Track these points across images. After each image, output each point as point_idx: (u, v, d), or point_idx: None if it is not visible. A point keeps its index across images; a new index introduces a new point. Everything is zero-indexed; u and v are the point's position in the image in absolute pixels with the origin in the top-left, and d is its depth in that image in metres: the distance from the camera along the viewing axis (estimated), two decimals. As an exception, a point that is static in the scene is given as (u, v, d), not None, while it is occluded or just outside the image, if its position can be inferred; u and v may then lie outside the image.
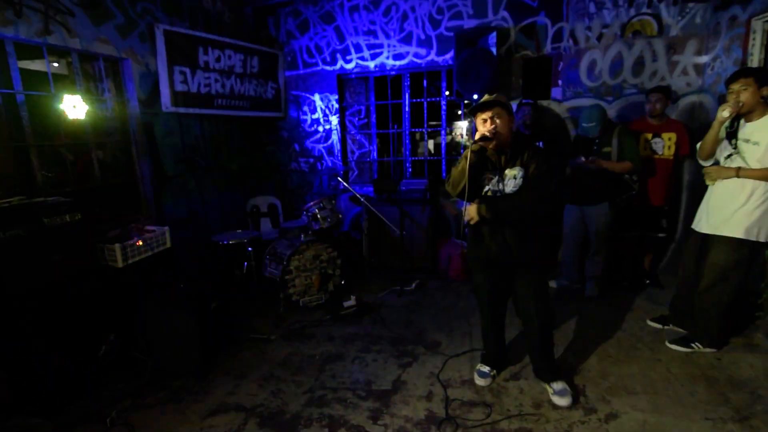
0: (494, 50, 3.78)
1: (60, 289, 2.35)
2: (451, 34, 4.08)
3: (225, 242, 3.52)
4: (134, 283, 2.78)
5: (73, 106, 2.93)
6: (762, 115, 2.37)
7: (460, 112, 4.75)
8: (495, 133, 2.02)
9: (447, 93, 4.57)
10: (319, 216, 3.53)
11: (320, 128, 4.89)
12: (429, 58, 4.39)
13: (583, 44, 3.98)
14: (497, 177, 2.11)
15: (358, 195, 3.91)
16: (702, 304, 2.65)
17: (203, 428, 2.15)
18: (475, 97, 3.86)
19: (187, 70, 3.77)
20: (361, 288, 3.90)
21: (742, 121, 2.46)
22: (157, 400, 2.37)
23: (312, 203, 3.57)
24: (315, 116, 4.87)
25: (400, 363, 2.66)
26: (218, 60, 4.05)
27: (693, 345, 2.68)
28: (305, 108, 4.88)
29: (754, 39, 3.18)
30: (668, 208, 3.62)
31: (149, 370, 2.58)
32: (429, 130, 4.80)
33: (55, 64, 3.20)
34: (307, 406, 2.28)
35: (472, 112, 2.14)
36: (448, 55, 4.26)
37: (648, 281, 3.75)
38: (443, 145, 4.80)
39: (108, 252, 2.67)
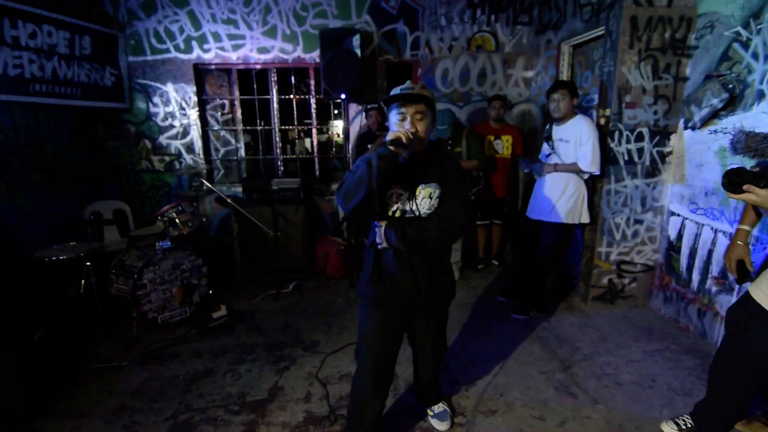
0: (358, 52, 3.90)
1: None
2: (317, 32, 4.06)
3: (53, 258, 2.91)
4: None
5: None
6: (571, 118, 2.94)
7: (336, 111, 4.76)
8: (414, 140, 1.52)
9: (321, 93, 4.54)
10: (177, 220, 3.17)
11: (176, 123, 4.38)
12: (296, 54, 4.30)
13: (437, 53, 4.38)
14: (407, 193, 1.63)
15: (224, 196, 3.63)
16: (536, 278, 3.18)
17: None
18: (343, 96, 3.92)
19: (-15, 46, 3.00)
20: (234, 296, 3.65)
21: (554, 125, 3.03)
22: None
23: (168, 207, 3.19)
24: (169, 109, 4.35)
25: (277, 369, 2.57)
26: (33, 36, 3.31)
27: (530, 313, 3.19)
28: (156, 99, 4.32)
29: (563, 59, 3.92)
30: (509, 199, 4.25)
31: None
32: (300, 127, 4.71)
33: None
34: (170, 434, 2.04)
35: (387, 103, 1.63)
36: (315, 53, 4.24)
37: (496, 262, 4.34)
38: (314, 142, 4.77)
39: None
